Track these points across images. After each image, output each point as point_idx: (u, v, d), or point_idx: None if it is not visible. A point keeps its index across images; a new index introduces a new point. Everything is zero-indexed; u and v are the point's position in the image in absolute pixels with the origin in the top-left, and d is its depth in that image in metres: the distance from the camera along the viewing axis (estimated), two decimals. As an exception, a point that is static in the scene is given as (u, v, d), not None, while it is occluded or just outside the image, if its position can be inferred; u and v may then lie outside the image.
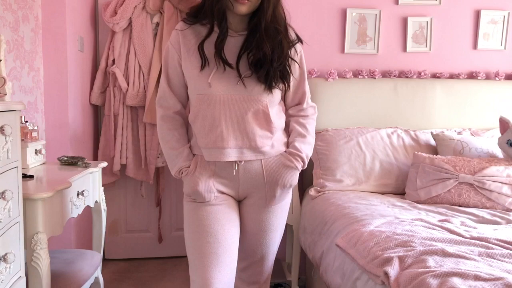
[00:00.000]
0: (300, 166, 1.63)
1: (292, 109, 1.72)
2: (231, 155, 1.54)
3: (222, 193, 1.62)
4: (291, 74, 1.61)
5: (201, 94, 1.54)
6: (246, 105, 1.53)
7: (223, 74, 1.53)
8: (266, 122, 1.57)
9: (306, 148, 1.65)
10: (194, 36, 1.57)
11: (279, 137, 1.65)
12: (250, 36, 1.54)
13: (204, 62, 1.53)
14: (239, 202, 1.69)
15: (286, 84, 1.61)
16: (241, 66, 1.53)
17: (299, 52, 1.66)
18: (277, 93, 1.60)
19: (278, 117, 1.63)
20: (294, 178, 1.64)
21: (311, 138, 1.68)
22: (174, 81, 1.63)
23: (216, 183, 1.60)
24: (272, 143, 1.61)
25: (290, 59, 1.59)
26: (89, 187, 2.04)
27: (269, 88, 1.55)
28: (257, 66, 1.53)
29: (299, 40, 1.65)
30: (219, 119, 1.53)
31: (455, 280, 1.29)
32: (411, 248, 1.56)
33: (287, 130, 1.72)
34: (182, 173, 1.61)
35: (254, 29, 1.54)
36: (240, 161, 1.57)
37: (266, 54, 1.51)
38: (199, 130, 1.57)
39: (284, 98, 1.70)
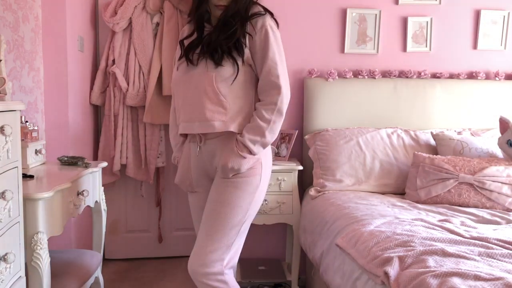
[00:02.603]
0: (245, 152, 1.64)
1: (258, 92, 1.72)
2: (185, 128, 1.74)
3: (203, 179, 1.80)
4: (244, 47, 1.66)
5: (172, 77, 1.82)
6: (195, 80, 1.70)
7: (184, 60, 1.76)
8: (214, 96, 1.65)
9: (252, 132, 1.65)
10: (186, 32, 1.82)
11: (239, 120, 1.68)
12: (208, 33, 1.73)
13: (182, 54, 1.75)
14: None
15: (236, 58, 1.65)
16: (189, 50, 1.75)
17: (261, 25, 1.67)
18: (226, 69, 1.65)
19: (235, 96, 1.67)
20: (236, 162, 1.64)
21: (261, 122, 1.65)
22: None
23: (196, 169, 1.79)
24: (227, 121, 1.65)
25: (245, 34, 1.66)
26: (89, 187, 2.04)
27: (215, 62, 1.64)
28: (207, 47, 1.68)
29: (267, 11, 1.71)
30: (178, 97, 1.77)
31: (455, 280, 1.29)
32: (411, 248, 1.56)
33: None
34: (176, 161, 1.89)
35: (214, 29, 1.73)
36: (201, 142, 1.73)
37: (212, 39, 1.67)
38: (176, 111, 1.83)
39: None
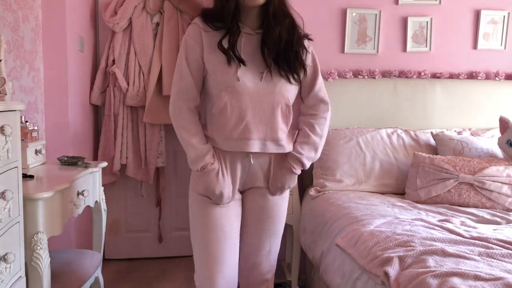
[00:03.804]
0: (299, 169, 1.68)
1: (304, 106, 1.75)
2: (255, 146, 1.60)
3: (235, 191, 1.68)
4: (305, 65, 1.67)
5: (229, 87, 1.57)
6: (272, 98, 1.60)
7: (248, 69, 1.58)
8: (287, 117, 1.65)
9: (307, 149, 1.68)
10: (217, 36, 1.60)
11: (290, 135, 1.71)
12: (266, 32, 1.60)
13: (229, 58, 1.57)
14: (242, 193, 1.74)
15: (302, 72, 1.66)
16: (266, 61, 1.61)
17: (307, 46, 1.71)
18: (294, 88, 1.66)
19: (292, 114, 1.69)
20: (292, 180, 1.70)
21: (315, 138, 1.69)
22: (196, 74, 1.63)
23: (231, 180, 1.65)
24: (288, 141, 1.68)
25: (303, 50, 1.66)
26: (89, 187, 2.04)
27: (289, 78, 1.61)
28: (276, 54, 1.59)
29: (306, 35, 1.71)
30: (246, 111, 1.58)
31: (455, 280, 1.29)
32: (411, 248, 1.56)
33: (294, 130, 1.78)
34: (203, 168, 1.60)
35: (268, 25, 1.60)
36: (254, 156, 1.64)
37: (275, 37, 1.57)
38: (226, 122, 1.59)
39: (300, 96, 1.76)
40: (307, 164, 1.69)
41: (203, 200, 1.64)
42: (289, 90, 1.64)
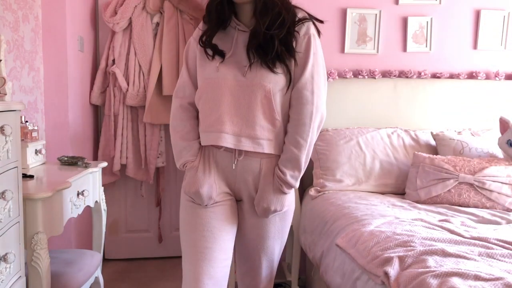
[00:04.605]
0: (286, 189, 1.54)
1: (290, 110, 1.55)
2: (228, 140, 1.49)
3: (223, 192, 1.57)
4: (294, 52, 1.51)
5: (208, 78, 1.53)
6: (250, 90, 1.49)
7: (234, 63, 1.52)
8: (269, 111, 1.49)
9: (290, 167, 1.52)
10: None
11: (283, 143, 1.55)
12: (255, 24, 1.52)
13: (205, 50, 1.55)
14: (238, 202, 1.64)
15: (289, 59, 1.50)
16: (249, 53, 1.51)
17: (305, 32, 1.56)
18: (281, 78, 1.50)
19: (281, 110, 1.52)
20: (280, 202, 1.54)
21: (298, 153, 1.51)
22: (192, 71, 1.62)
23: (218, 180, 1.55)
24: (275, 140, 1.52)
25: (288, 32, 1.51)
26: (89, 187, 2.04)
27: (269, 65, 1.47)
28: (259, 44, 1.49)
29: (313, 18, 1.60)
30: (221, 103, 1.50)
31: (455, 280, 1.29)
32: (411, 248, 1.56)
33: None
34: (185, 166, 1.57)
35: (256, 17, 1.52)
36: (240, 155, 1.52)
37: (261, 26, 1.47)
38: (201, 112, 1.57)
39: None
40: (294, 183, 1.53)
41: (190, 200, 1.57)
42: (272, 81, 1.47)
